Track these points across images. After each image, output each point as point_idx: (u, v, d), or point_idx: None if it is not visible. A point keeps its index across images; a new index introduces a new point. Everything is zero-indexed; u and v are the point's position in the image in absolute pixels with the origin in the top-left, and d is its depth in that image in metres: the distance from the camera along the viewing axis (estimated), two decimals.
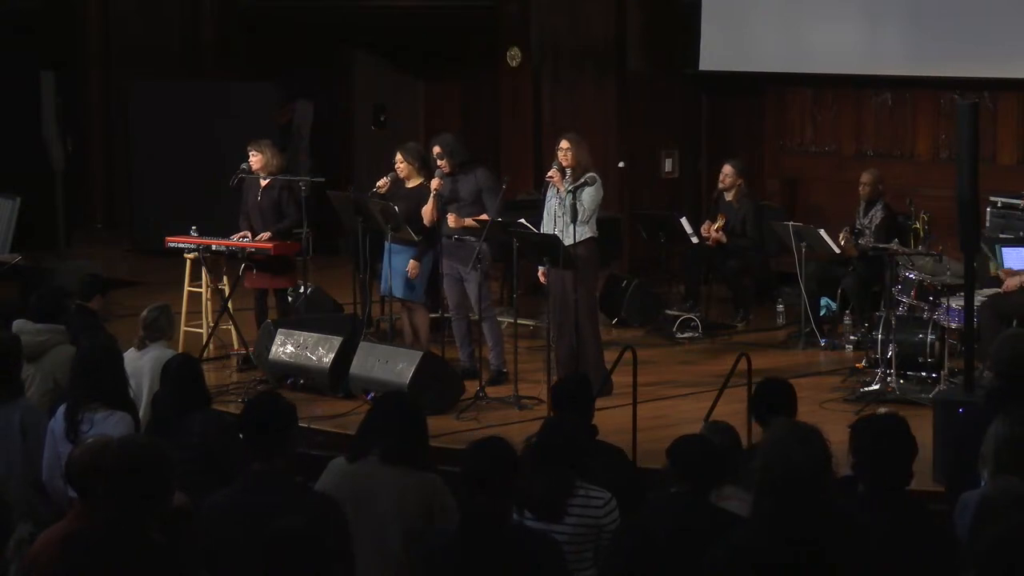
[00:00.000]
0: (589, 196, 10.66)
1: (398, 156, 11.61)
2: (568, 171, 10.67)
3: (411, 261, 11.40)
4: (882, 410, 9.61)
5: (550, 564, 5.46)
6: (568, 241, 10.49)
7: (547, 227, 10.79)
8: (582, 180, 10.65)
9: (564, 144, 10.76)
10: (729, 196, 13.51)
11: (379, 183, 11.58)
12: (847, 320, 12.53)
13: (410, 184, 11.57)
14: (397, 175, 11.59)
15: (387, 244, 11.43)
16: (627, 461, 7.54)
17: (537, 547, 5.50)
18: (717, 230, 13.29)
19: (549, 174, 10.77)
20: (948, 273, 10.78)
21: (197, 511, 5.98)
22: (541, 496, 6.21)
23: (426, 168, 11.51)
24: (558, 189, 10.71)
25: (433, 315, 11.83)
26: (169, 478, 5.16)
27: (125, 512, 5.00)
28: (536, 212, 11.19)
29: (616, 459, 7.25)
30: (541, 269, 10.84)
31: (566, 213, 10.61)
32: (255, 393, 10.61)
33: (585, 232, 10.69)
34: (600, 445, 7.25)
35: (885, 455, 5.38)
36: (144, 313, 9.22)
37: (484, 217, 10.98)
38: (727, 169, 13.57)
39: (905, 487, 5.45)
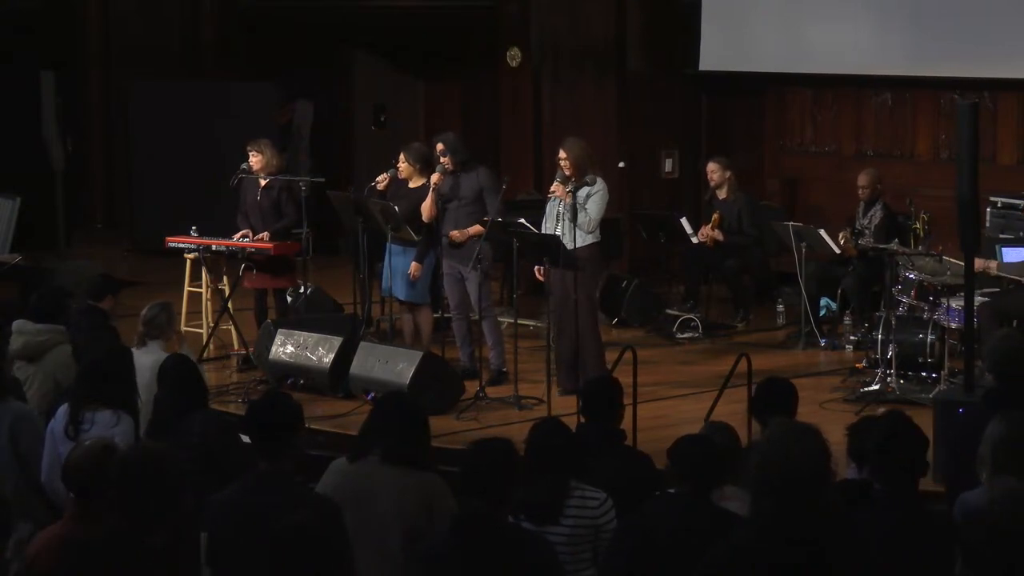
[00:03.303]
0: (594, 204, 10.63)
1: (400, 157, 11.62)
2: (571, 180, 10.67)
3: (413, 263, 11.40)
4: (881, 411, 9.61)
5: (544, 565, 5.46)
6: (570, 244, 10.49)
7: (548, 230, 10.77)
8: (583, 181, 10.65)
9: (561, 154, 10.77)
10: (722, 193, 13.49)
11: (378, 179, 11.59)
12: (847, 320, 12.52)
13: (412, 185, 11.57)
14: (397, 173, 11.60)
15: (387, 244, 11.44)
16: (650, 465, 7.44)
17: (531, 548, 5.49)
18: (713, 228, 13.27)
19: (552, 188, 10.74)
20: (948, 273, 10.77)
21: (198, 511, 5.97)
22: (536, 500, 6.18)
23: (429, 169, 11.49)
24: (562, 199, 10.71)
25: (434, 315, 11.83)
26: (178, 488, 5.11)
27: (131, 522, 4.97)
28: (536, 212, 11.19)
29: (639, 463, 7.17)
30: (538, 267, 10.84)
31: (567, 212, 10.61)
32: (257, 393, 10.65)
33: (588, 239, 10.69)
34: (625, 450, 7.23)
35: (895, 451, 5.42)
36: (145, 311, 9.23)
37: (479, 228, 11.01)
38: (711, 167, 13.58)
39: (918, 479, 5.49)
